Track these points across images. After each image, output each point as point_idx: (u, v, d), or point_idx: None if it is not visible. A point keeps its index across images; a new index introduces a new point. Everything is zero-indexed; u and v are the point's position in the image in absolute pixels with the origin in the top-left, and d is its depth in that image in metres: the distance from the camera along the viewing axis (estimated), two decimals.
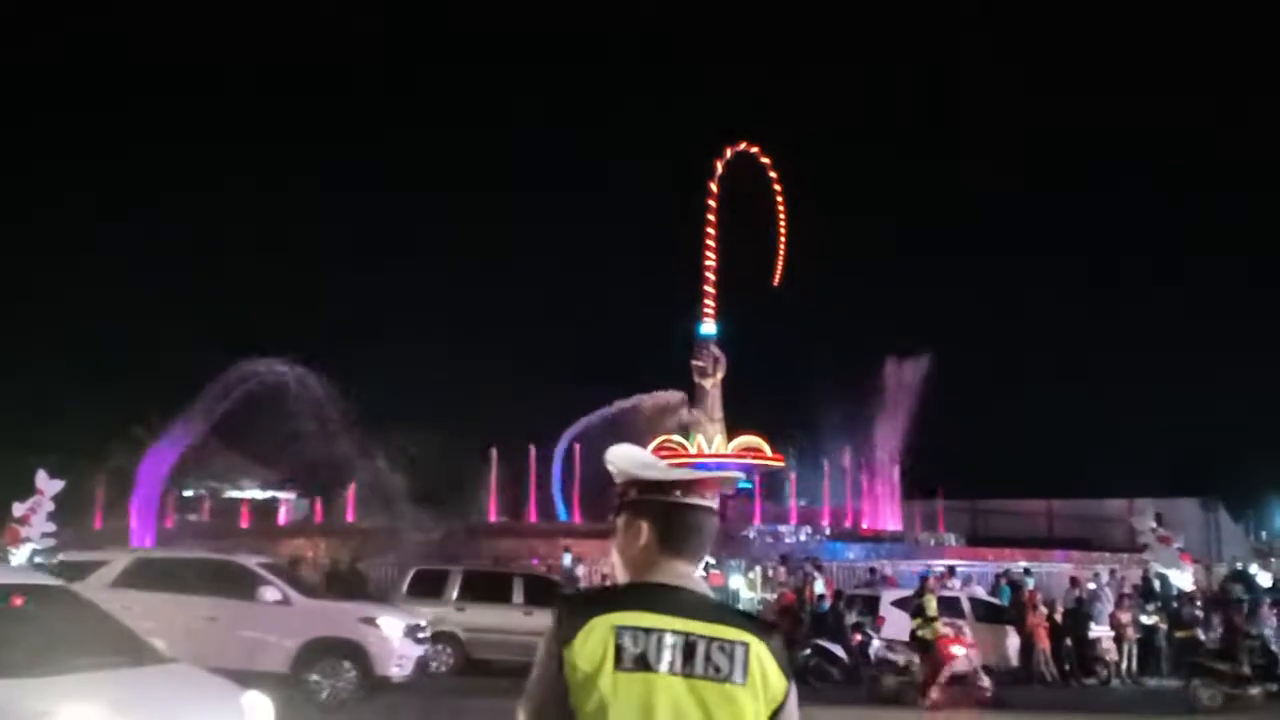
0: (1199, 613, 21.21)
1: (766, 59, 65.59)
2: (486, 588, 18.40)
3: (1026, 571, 23.43)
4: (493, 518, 32.49)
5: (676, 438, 33.96)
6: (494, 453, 32.91)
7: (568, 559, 23.54)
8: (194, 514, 32.81)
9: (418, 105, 62.28)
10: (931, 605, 15.57)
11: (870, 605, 19.30)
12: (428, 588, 18.54)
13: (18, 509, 21.43)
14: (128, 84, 60.76)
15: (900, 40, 64.60)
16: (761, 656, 2.12)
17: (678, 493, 2.25)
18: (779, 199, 38.30)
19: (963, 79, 61.16)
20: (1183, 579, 23.70)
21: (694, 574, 2.24)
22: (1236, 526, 42.35)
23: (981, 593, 21.56)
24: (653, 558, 2.22)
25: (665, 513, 2.24)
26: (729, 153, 36.59)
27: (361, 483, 32.70)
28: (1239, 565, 29.25)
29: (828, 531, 31.81)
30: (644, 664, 2.06)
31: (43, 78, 58.78)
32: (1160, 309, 50.17)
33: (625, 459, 2.32)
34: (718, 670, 2.08)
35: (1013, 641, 18.93)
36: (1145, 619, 20.21)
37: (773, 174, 38.09)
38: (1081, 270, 55.55)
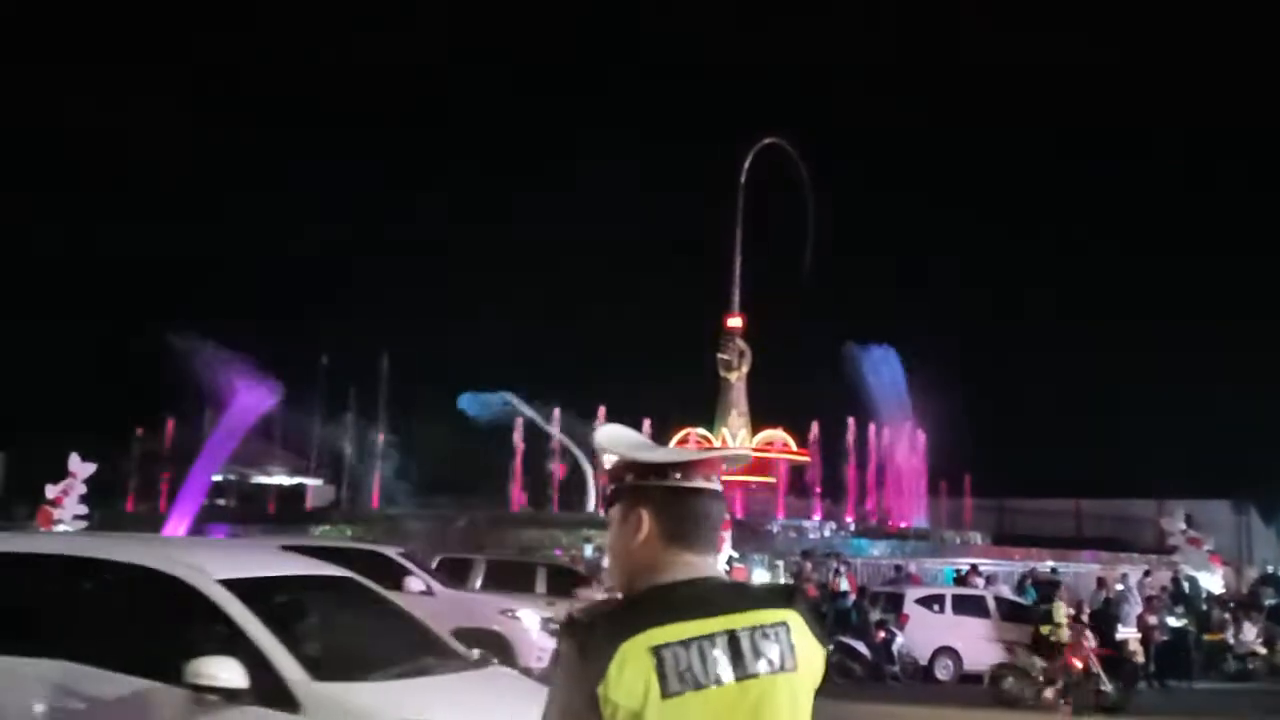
0: (1228, 616, 21.01)
1: (800, 49, 65.26)
2: (510, 577, 18.47)
3: (1053, 571, 23.26)
4: (516, 507, 32.60)
5: (700, 430, 33.93)
6: (517, 438, 32.99)
7: (589, 549, 23.62)
8: (222, 499, 33.16)
9: (436, 99, 62.49)
10: (1060, 611, 15.60)
11: (894, 603, 19.23)
12: (451, 576, 18.63)
13: (50, 491, 21.77)
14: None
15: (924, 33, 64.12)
16: (801, 630, 1.96)
17: (677, 475, 1.99)
18: (808, 193, 38.17)
19: (992, 73, 60.55)
20: (1213, 581, 23.48)
21: (704, 563, 1.99)
22: (1268, 529, 41.80)
23: (1007, 592, 21.43)
24: (657, 553, 1.96)
25: (667, 499, 1.98)
26: (759, 145, 36.45)
27: (386, 470, 33.01)
28: (1270, 569, 28.93)
29: (852, 527, 31.69)
30: (693, 682, 1.83)
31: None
32: (1194, 307, 49.55)
33: (616, 440, 2.06)
34: (770, 662, 1.89)
35: None
36: (1174, 621, 20.02)
37: (802, 167, 37.94)
38: (1115, 264, 54.96)
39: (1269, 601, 22.13)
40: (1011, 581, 23.48)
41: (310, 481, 36.76)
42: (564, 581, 17.74)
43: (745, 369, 34.33)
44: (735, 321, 34.79)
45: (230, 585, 4.88)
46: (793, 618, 1.95)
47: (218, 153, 53.62)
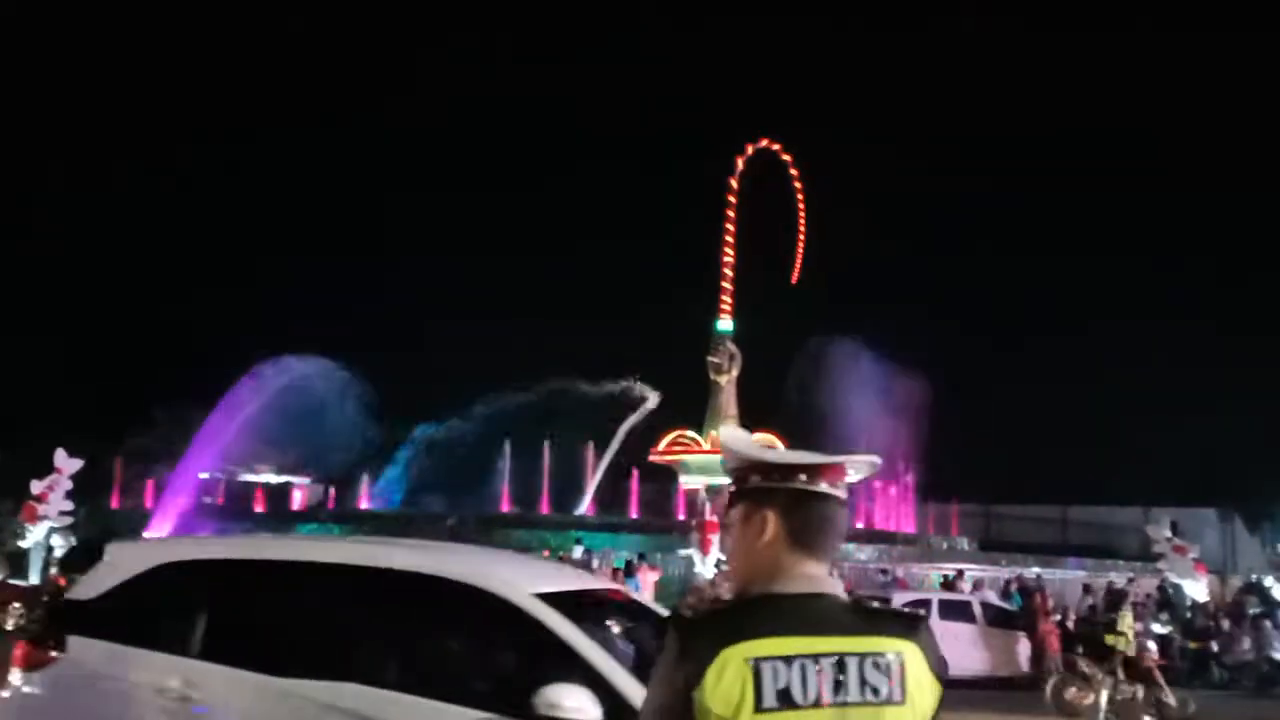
0: (1212, 624, 21.10)
1: (790, 55, 65.41)
2: None
3: (1038, 577, 23.36)
4: (505, 507, 32.58)
5: (690, 433, 33.96)
6: (507, 443, 32.97)
7: (579, 551, 23.60)
8: (209, 497, 33.05)
9: (423, 99, 62.41)
10: (1127, 620, 15.51)
11: None
12: None
13: (36, 486, 21.65)
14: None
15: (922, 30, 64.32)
16: (915, 663, 1.87)
17: (803, 478, 1.96)
18: (799, 197, 38.25)
19: (980, 78, 60.76)
20: (1197, 589, 23.57)
21: (826, 575, 1.96)
22: (1253, 538, 42.04)
23: (993, 597, 21.51)
24: (780, 556, 1.93)
25: (794, 502, 1.94)
26: (750, 149, 36.54)
27: (375, 470, 32.96)
28: (1254, 577, 29.07)
29: None
30: (789, 701, 1.78)
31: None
32: (1181, 316, 49.76)
33: (741, 439, 2.06)
34: (875, 692, 1.82)
35: (1023, 647, 18.88)
36: (1159, 629, 20.12)
37: (794, 172, 38.03)
38: (1102, 274, 55.18)
39: (1253, 610, 22.24)
40: (997, 587, 23.57)
41: (298, 480, 36.67)
42: None
43: (735, 372, 34.37)
44: (726, 325, 34.84)
45: (548, 600, 4.30)
46: (910, 650, 1.87)
47: (187, 147, 53.50)
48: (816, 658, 1.81)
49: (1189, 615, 21.92)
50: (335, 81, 61.75)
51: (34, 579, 20.49)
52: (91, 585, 4.99)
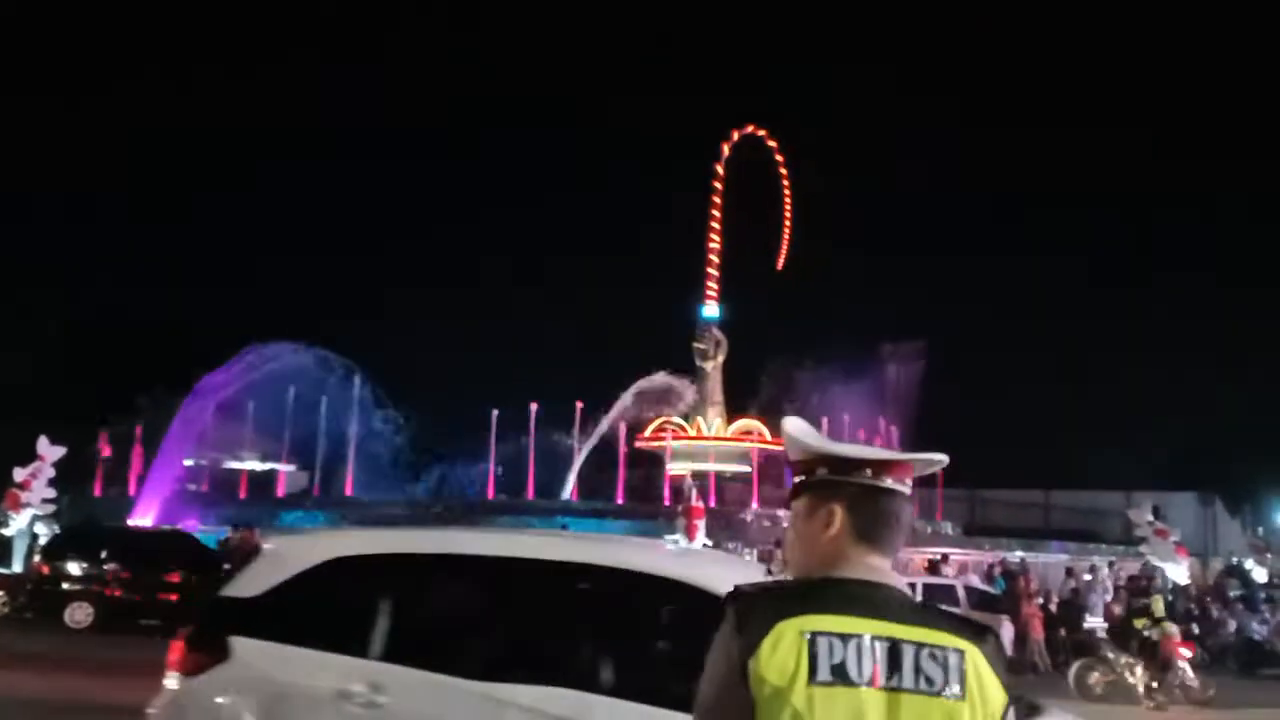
0: (1193, 606, 21.29)
1: (776, 41, 65.32)
2: None
3: (1022, 562, 23.50)
4: (491, 494, 32.56)
5: (677, 419, 33.99)
6: (493, 428, 32.93)
7: None
8: (193, 484, 32.89)
9: (421, 101, 62.11)
10: (1159, 606, 15.55)
11: None
12: None
13: (19, 474, 21.50)
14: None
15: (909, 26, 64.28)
16: (979, 665, 1.83)
17: (869, 473, 1.97)
18: (785, 183, 38.26)
19: (969, 69, 60.83)
20: (1178, 573, 23.75)
21: (890, 569, 1.95)
22: (1233, 521, 42.42)
23: (976, 581, 21.64)
24: (843, 549, 1.93)
25: (862, 496, 1.95)
26: (736, 135, 36.49)
27: (361, 457, 32.87)
28: (1235, 560, 29.33)
29: None
30: (843, 676, 1.77)
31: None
32: (1161, 302, 50.07)
33: (807, 432, 2.04)
34: (930, 682, 1.79)
35: (1007, 631, 19.00)
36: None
37: (779, 158, 38.01)
38: (1083, 262, 55.46)
39: (1234, 593, 22.45)
40: (981, 571, 23.71)
41: (283, 467, 36.52)
42: None
43: (721, 358, 34.41)
44: (712, 311, 34.85)
45: None
46: (973, 650, 1.84)
47: (178, 141, 53.12)
48: (873, 639, 1.80)
49: (1170, 598, 22.10)
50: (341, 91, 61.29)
51: (17, 567, 20.38)
52: (252, 581, 4.65)
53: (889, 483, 1.98)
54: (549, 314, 45.03)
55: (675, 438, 33.07)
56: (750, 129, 36.97)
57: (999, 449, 41.78)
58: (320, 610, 4.52)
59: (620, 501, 31.41)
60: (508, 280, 49.38)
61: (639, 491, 32.40)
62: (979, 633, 1.89)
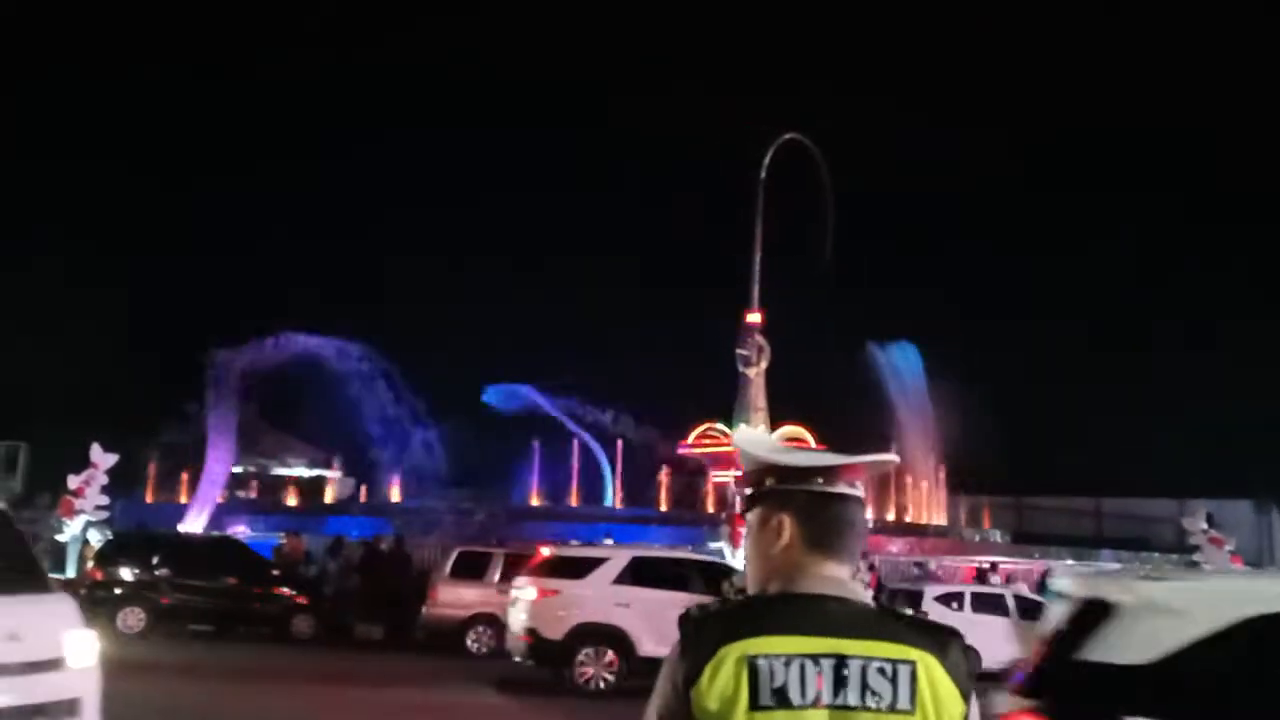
0: None
1: (816, 47, 65.05)
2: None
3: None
4: (534, 501, 32.69)
5: (720, 425, 33.91)
6: (537, 437, 33.07)
7: (607, 544, 23.61)
8: (243, 490, 33.37)
9: (454, 98, 62.61)
10: None
11: (913, 600, 19.18)
12: (470, 569, 18.74)
13: (72, 481, 21.92)
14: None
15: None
16: (933, 674, 1.78)
17: (820, 480, 1.93)
18: (828, 190, 38.04)
19: (996, 70, 60.16)
20: None
21: (847, 578, 1.91)
22: None
23: (1025, 590, 21.34)
24: (797, 559, 1.90)
25: (811, 504, 1.91)
26: (778, 141, 36.34)
27: (406, 463, 33.14)
28: None
29: (870, 524, 31.64)
30: (784, 700, 1.73)
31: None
32: (1218, 306, 49.12)
33: (757, 442, 2.01)
34: (878, 697, 1.75)
35: None
36: None
37: (822, 162, 37.80)
38: (1135, 264, 54.57)
39: None
40: (1030, 580, 23.38)
41: (330, 474, 36.94)
42: None
43: (764, 364, 34.26)
44: (754, 317, 34.72)
45: None
46: (926, 659, 1.79)
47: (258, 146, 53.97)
48: (816, 658, 1.76)
49: None
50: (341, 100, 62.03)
51: (70, 573, 20.79)
52: (1142, 642, 3.68)
53: (841, 488, 1.93)
54: (595, 320, 45.13)
55: (715, 444, 32.99)
56: (792, 135, 36.81)
57: (1048, 455, 41.24)
58: (1242, 683, 3.56)
59: (664, 509, 31.39)
60: (557, 281, 49.53)
61: (684, 499, 32.36)
62: (940, 641, 1.82)
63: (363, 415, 32.79)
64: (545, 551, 15.40)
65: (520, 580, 14.87)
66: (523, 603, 14.27)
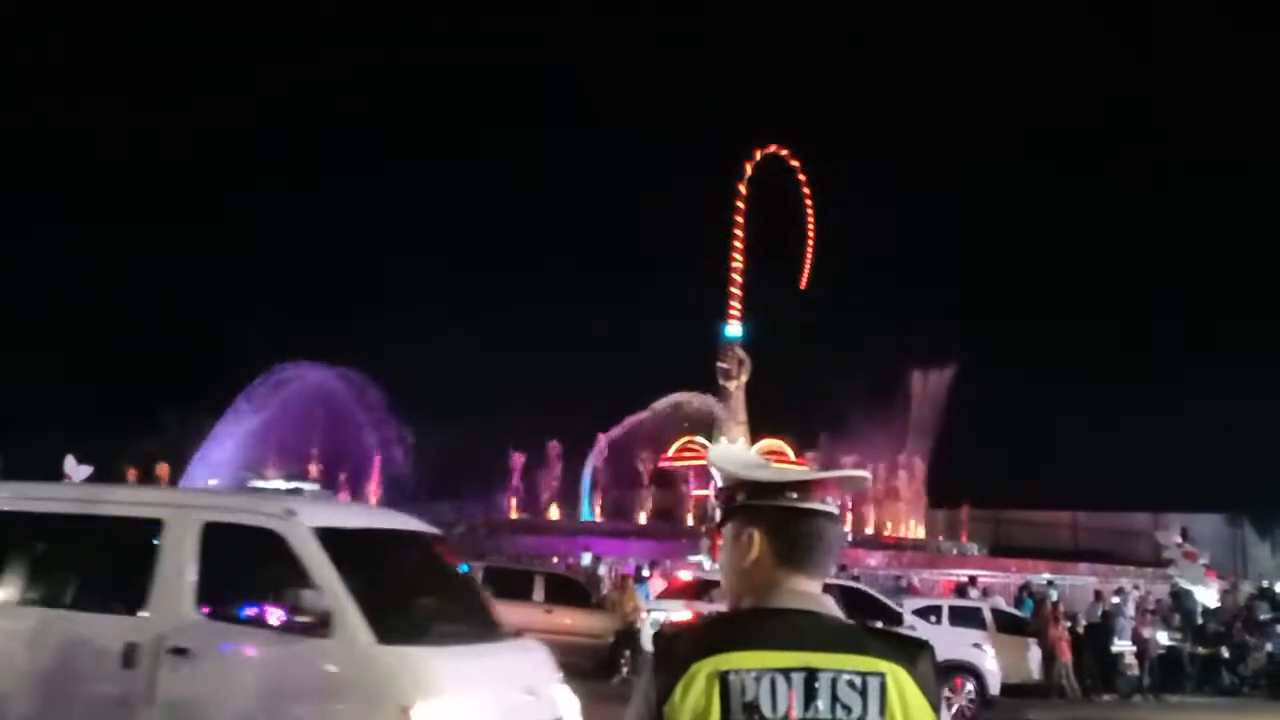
0: (1222, 629, 21.03)
1: (798, 60, 65.46)
2: (508, 584, 18.43)
3: (1049, 584, 23.27)
4: (513, 514, 32.58)
5: (700, 439, 33.93)
6: (514, 450, 32.99)
7: (587, 558, 23.57)
8: None
9: (437, 107, 62.58)
10: None
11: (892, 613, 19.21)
12: None
13: None
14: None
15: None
16: (903, 687, 1.81)
17: (793, 495, 1.94)
18: (808, 202, 38.23)
19: (993, 78, 60.75)
20: (1207, 595, 23.46)
21: (818, 591, 1.93)
22: (1263, 543, 41.85)
23: (1003, 604, 21.42)
24: (768, 574, 1.92)
25: (781, 520, 1.93)
26: (758, 154, 36.54)
27: (384, 475, 33.00)
28: (1265, 583, 28.92)
29: (849, 538, 31.71)
30: (755, 715, 1.75)
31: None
32: (1192, 320, 49.64)
33: (728, 458, 2.04)
34: (848, 710, 1.77)
35: (1034, 654, 18.78)
36: (1167, 636, 20.03)
37: (802, 177, 38.02)
38: (1113, 276, 55.07)
39: (1263, 616, 22.12)
40: (1008, 594, 23.47)
41: (307, 486, 36.69)
42: (561, 590, 17.69)
43: (744, 378, 34.37)
44: (735, 330, 34.84)
45: None
46: (896, 671, 1.81)
47: (218, 149, 53.75)
48: (788, 672, 1.78)
49: (1200, 621, 21.84)
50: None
51: None
52: None
53: (813, 504, 1.95)
54: (572, 330, 45.11)
55: (697, 458, 33.01)
56: (772, 148, 37.02)
57: (1025, 469, 41.46)
58: None
59: (643, 522, 31.36)
60: (531, 297, 49.50)
61: (663, 512, 32.34)
62: (910, 653, 1.85)
63: (340, 427, 32.65)
64: (684, 576, 15.65)
65: (669, 603, 15.11)
66: (670, 624, 14.25)
